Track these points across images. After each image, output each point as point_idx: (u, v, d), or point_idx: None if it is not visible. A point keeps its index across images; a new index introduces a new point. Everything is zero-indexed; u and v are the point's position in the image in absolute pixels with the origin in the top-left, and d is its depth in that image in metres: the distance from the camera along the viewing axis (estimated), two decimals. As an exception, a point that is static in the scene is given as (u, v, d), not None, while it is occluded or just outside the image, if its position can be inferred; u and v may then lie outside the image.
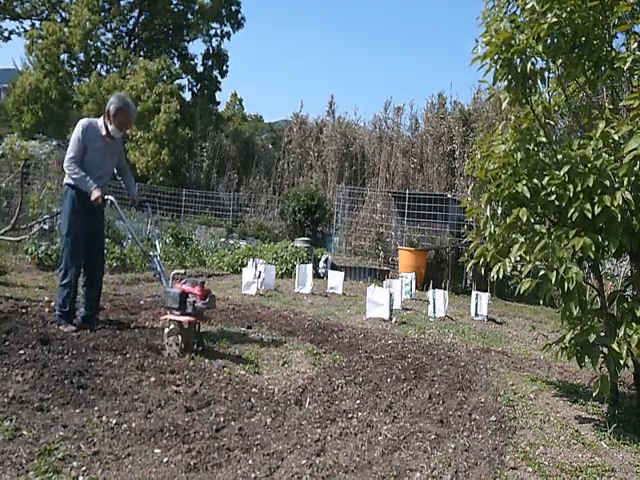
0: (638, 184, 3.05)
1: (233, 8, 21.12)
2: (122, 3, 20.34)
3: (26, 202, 7.92)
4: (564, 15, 3.26)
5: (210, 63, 21.49)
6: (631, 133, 3.04)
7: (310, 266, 8.10)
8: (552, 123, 3.72)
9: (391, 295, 6.42)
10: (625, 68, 3.22)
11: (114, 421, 2.68)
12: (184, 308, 3.85)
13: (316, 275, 9.16)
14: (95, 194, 4.19)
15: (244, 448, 2.56)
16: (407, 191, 11.71)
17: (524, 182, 3.37)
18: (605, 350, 3.19)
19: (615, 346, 3.09)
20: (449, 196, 11.23)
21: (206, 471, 2.32)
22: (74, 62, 19.20)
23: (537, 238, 3.22)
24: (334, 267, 9.75)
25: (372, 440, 2.80)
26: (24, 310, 4.73)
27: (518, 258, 3.35)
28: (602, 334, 3.20)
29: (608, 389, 3.22)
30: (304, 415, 3.05)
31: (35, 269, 7.33)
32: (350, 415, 3.12)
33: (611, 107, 3.65)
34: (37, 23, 20.95)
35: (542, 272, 3.15)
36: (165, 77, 17.48)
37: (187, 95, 20.57)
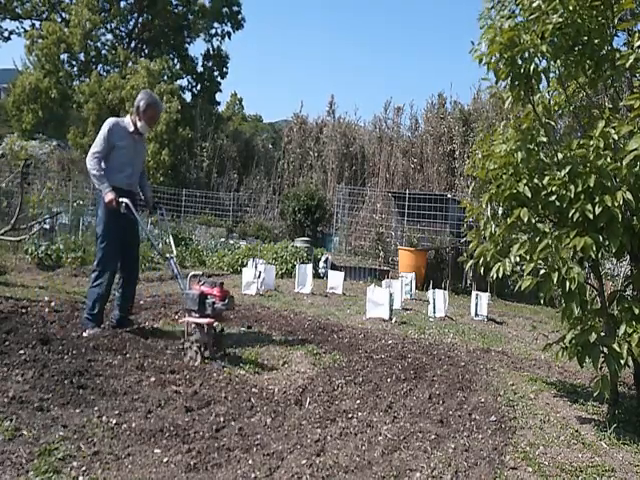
0: (638, 184, 3.05)
1: (234, 8, 21.13)
2: (122, 4, 20.36)
3: (26, 202, 7.93)
4: (566, 14, 3.26)
5: (210, 64, 21.49)
6: (631, 133, 3.04)
7: (310, 266, 8.10)
8: (552, 123, 3.72)
9: (391, 295, 6.42)
10: (627, 66, 3.22)
11: (114, 421, 2.68)
12: (203, 310, 3.78)
13: (316, 275, 9.16)
14: (109, 196, 4.14)
15: (244, 448, 2.56)
16: (407, 191, 11.71)
17: (525, 182, 3.37)
18: (605, 350, 3.19)
19: (615, 346, 3.08)
20: (449, 196, 11.22)
21: (206, 471, 2.32)
22: (74, 62, 19.19)
23: (539, 238, 3.22)
24: (334, 267, 9.75)
25: (372, 440, 2.80)
26: (24, 310, 4.72)
27: (518, 258, 3.35)
28: (602, 334, 3.20)
29: (609, 389, 3.22)
30: (304, 415, 3.05)
31: (35, 269, 7.33)
32: (350, 415, 3.12)
33: (611, 107, 3.65)
34: (37, 23, 20.95)
35: (542, 272, 3.15)
36: (166, 77, 17.49)
37: (187, 95, 20.60)
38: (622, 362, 3.12)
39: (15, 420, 2.56)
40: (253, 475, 2.32)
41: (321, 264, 9.84)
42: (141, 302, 5.75)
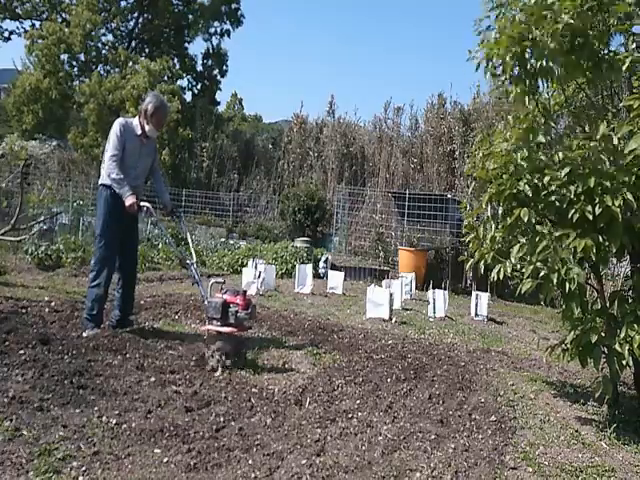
0: (638, 184, 3.05)
1: (233, 5, 21.11)
2: (122, 4, 20.35)
3: (26, 202, 7.93)
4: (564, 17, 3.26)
5: (210, 62, 21.47)
6: (631, 133, 3.04)
7: (310, 266, 8.10)
8: (552, 123, 3.71)
9: (391, 295, 6.42)
10: (624, 69, 3.22)
11: (114, 421, 2.68)
12: (226, 318, 3.73)
13: (316, 275, 9.15)
14: (130, 200, 4.09)
15: (244, 448, 2.56)
16: (407, 191, 11.71)
17: (525, 181, 3.37)
18: (606, 350, 3.19)
19: (617, 347, 3.09)
20: (449, 196, 11.22)
21: (206, 471, 2.33)
22: (74, 62, 19.17)
23: (538, 238, 3.22)
24: (334, 267, 9.75)
25: (372, 440, 2.80)
26: (24, 310, 4.72)
27: (518, 260, 3.34)
28: (603, 334, 3.20)
29: (611, 390, 3.22)
30: (304, 415, 3.05)
31: (35, 269, 7.33)
32: (350, 415, 3.12)
33: (610, 108, 3.65)
34: (37, 23, 20.95)
35: (542, 273, 3.15)
36: (166, 77, 17.48)
37: (187, 95, 20.57)
38: (624, 363, 3.13)
39: (15, 420, 2.56)
40: (253, 475, 2.32)
41: (321, 264, 9.84)
42: (141, 302, 5.75)
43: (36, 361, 3.38)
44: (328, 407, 3.22)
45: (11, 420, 2.55)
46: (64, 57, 18.50)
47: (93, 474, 2.20)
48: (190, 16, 20.77)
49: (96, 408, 2.82)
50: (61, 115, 18.48)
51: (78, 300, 5.38)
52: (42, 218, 8.07)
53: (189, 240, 4.54)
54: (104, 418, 2.70)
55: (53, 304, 5.06)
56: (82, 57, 18.93)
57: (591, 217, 3.06)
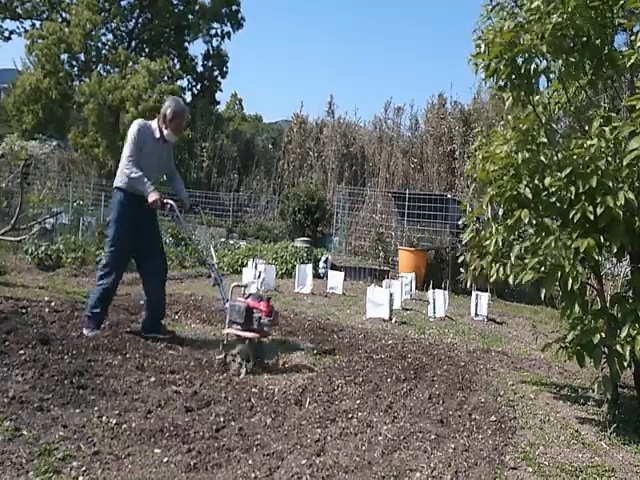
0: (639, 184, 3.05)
1: (233, 8, 21.11)
2: (122, 4, 20.33)
3: (26, 202, 7.92)
4: (566, 15, 3.26)
5: (210, 63, 21.47)
6: (632, 133, 3.04)
7: (310, 266, 8.10)
8: (552, 124, 3.71)
9: (391, 295, 6.42)
10: (628, 65, 3.22)
11: (114, 421, 2.68)
12: (249, 324, 3.71)
13: (316, 275, 9.15)
14: (153, 196, 4.04)
15: (244, 448, 2.56)
16: (407, 191, 11.70)
17: (525, 183, 3.37)
18: (606, 351, 3.19)
19: (618, 347, 3.08)
20: (449, 196, 11.22)
21: (206, 471, 2.32)
22: (74, 62, 19.16)
23: (545, 233, 3.20)
24: (334, 267, 9.74)
25: (372, 440, 2.80)
26: (24, 310, 4.72)
27: (518, 258, 3.34)
28: (603, 335, 3.20)
29: (611, 389, 3.22)
30: (304, 415, 3.05)
31: (35, 269, 7.33)
32: (350, 415, 3.12)
33: (612, 108, 3.65)
34: (37, 23, 20.94)
35: (547, 266, 3.14)
36: (166, 77, 17.47)
37: (187, 96, 20.57)
38: (625, 363, 3.13)
39: (15, 420, 2.56)
40: (253, 475, 2.32)
41: (321, 264, 9.84)
42: (141, 302, 5.74)
43: (36, 361, 3.38)
44: (328, 407, 3.22)
45: (11, 420, 2.55)
46: (64, 57, 18.49)
47: (93, 474, 2.20)
48: (190, 16, 20.75)
49: (96, 408, 2.82)
50: (61, 115, 18.47)
51: (78, 300, 5.39)
52: (42, 218, 8.05)
53: (210, 241, 4.47)
54: (104, 418, 2.70)
55: (53, 304, 5.06)
56: (82, 57, 18.92)
57: (592, 217, 3.06)
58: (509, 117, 3.80)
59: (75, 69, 19.31)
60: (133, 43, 21.38)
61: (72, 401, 2.87)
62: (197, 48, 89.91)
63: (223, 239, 12.39)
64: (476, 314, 7.14)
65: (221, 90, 22.13)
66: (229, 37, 21.45)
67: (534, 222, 3.34)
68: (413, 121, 15.20)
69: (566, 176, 3.16)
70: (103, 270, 4.25)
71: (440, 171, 13.64)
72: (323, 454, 2.58)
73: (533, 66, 3.24)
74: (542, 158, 3.46)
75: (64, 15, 20.29)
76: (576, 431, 3.26)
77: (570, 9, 3.24)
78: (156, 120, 4.35)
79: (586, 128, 3.61)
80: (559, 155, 3.33)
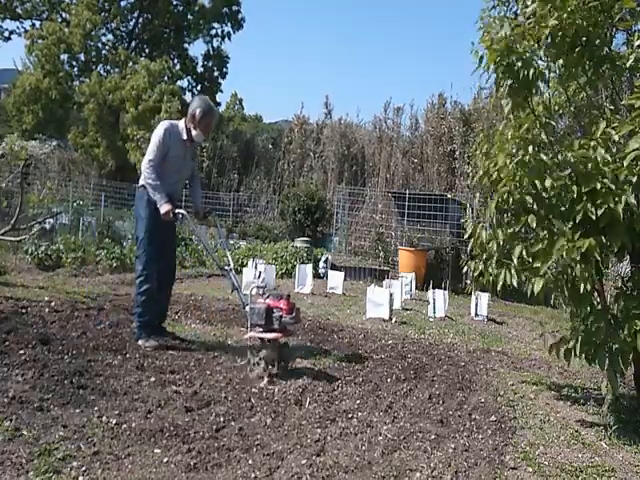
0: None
1: (233, 8, 21.11)
2: (122, 4, 20.35)
3: (26, 202, 7.92)
4: (565, 15, 3.26)
5: (210, 64, 21.48)
6: (632, 133, 3.04)
7: (310, 266, 8.10)
8: (553, 123, 3.71)
9: (391, 295, 6.42)
10: (627, 66, 3.22)
11: (114, 421, 2.68)
12: (270, 324, 3.59)
13: (316, 275, 9.15)
14: (165, 208, 3.94)
15: (244, 448, 2.56)
16: (407, 191, 11.70)
17: (529, 187, 3.35)
18: (611, 349, 3.18)
19: (620, 345, 3.08)
20: (449, 196, 11.22)
21: (206, 471, 2.32)
22: (74, 62, 19.17)
23: (556, 237, 3.19)
24: (334, 267, 9.75)
25: (372, 440, 2.80)
26: (24, 310, 4.72)
27: (520, 261, 3.33)
28: (606, 334, 3.20)
29: (617, 389, 3.22)
30: (304, 415, 3.05)
31: (35, 269, 7.34)
32: (350, 415, 3.12)
33: (612, 107, 3.65)
34: (37, 23, 20.94)
35: (557, 271, 3.14)
36: (166, 78, 17.47)
37: (187, 96, 20.57)
38: (628, 361, 3.13)
39: (15, 420, 2.56)
40: (253, 475, 2.32)
41: (321, 264, 9.84)
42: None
43: (36, 361, 3.38)
44: (328, 407, 3.22)
45: (11, 420, 2.55)
46: (64, 57, 18.50)
47: (93, 474, 2.20)
48: (190, 17, 20.76)
49: (96, 408, 2.82)
50: (61, 115, 18.48)
51: (78, 300, 5.39)
52: (42, 218, 8.05)
53: (226, 246, 4.42)
54: (104, 418, 2.70)
55: (53, 304, 5.06)
56: (82, 57, 18.93)
57: (594, 217, 3.05)
58: (510, 117, 3.78)
59: (75, 69, 19.33)
60: (133, 43, 21.39)
61: (72, 401, 2.87)
62: (197, 48, 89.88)
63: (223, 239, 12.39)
64: (476, 314, 7.15)
65: (221, 91, 22.17)
66: (229, 37, 21.48)
67: (542, 226, 3.32)
68: (413, 121, 15.20)
69: (567, 176, 3.15)
70: (142, 275, 4.12)
71: (440, 171, 13.63)
72: (323, 454, 2.58)
73: (532, 71, 3.24)
74: (544, 158, 3.45)
75: (64, 15, 20.30)
76: (576, 431, 3.26)
77: (569, 9, 3.23)
78: (182, 120, 4.25)
79: (586, 128, 3.61)
80: (559, 156, 3.33)
